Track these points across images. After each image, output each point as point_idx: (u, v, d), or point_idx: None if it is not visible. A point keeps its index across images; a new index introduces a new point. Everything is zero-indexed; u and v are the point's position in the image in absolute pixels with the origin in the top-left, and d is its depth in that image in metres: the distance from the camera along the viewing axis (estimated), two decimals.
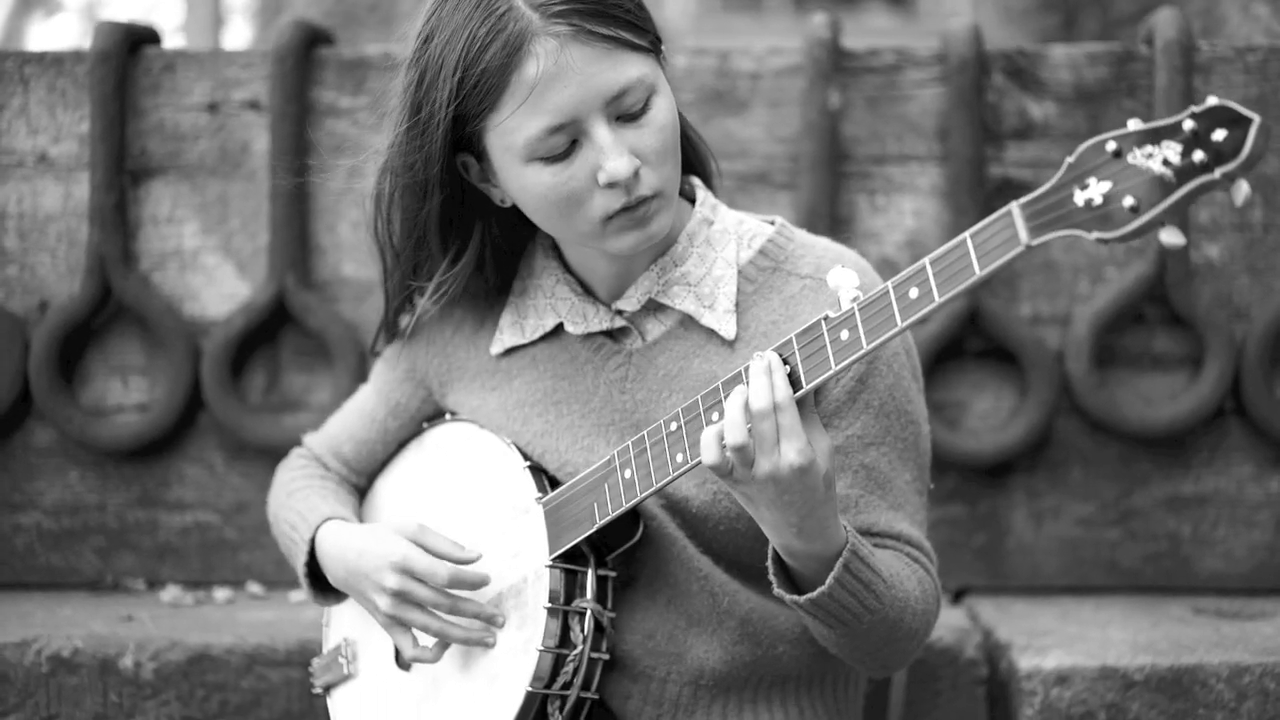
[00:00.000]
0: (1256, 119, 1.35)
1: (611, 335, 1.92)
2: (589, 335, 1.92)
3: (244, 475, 2.95)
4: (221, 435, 2.95)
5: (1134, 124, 1.41)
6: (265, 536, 2.92)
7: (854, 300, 1.58)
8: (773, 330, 1.85)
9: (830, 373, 1.59)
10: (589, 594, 1.81)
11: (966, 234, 1.49)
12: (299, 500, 2.05)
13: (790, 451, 1.60)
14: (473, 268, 1.92)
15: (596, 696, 1.84)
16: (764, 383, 1.61)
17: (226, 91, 2.96)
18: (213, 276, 2.96)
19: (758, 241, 1.91)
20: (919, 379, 1.91)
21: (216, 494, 2.96)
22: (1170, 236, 1.40)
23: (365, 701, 2.01)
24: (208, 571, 2.96)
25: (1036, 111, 2.89)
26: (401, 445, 2.10)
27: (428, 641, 1.89)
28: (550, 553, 1.81)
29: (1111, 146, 1.41)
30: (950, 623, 2.59)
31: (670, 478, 1.72)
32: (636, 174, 1.73)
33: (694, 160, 1.97)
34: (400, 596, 1.85)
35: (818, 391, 1.80)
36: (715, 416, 1.67)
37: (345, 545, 1.93)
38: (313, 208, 2.93)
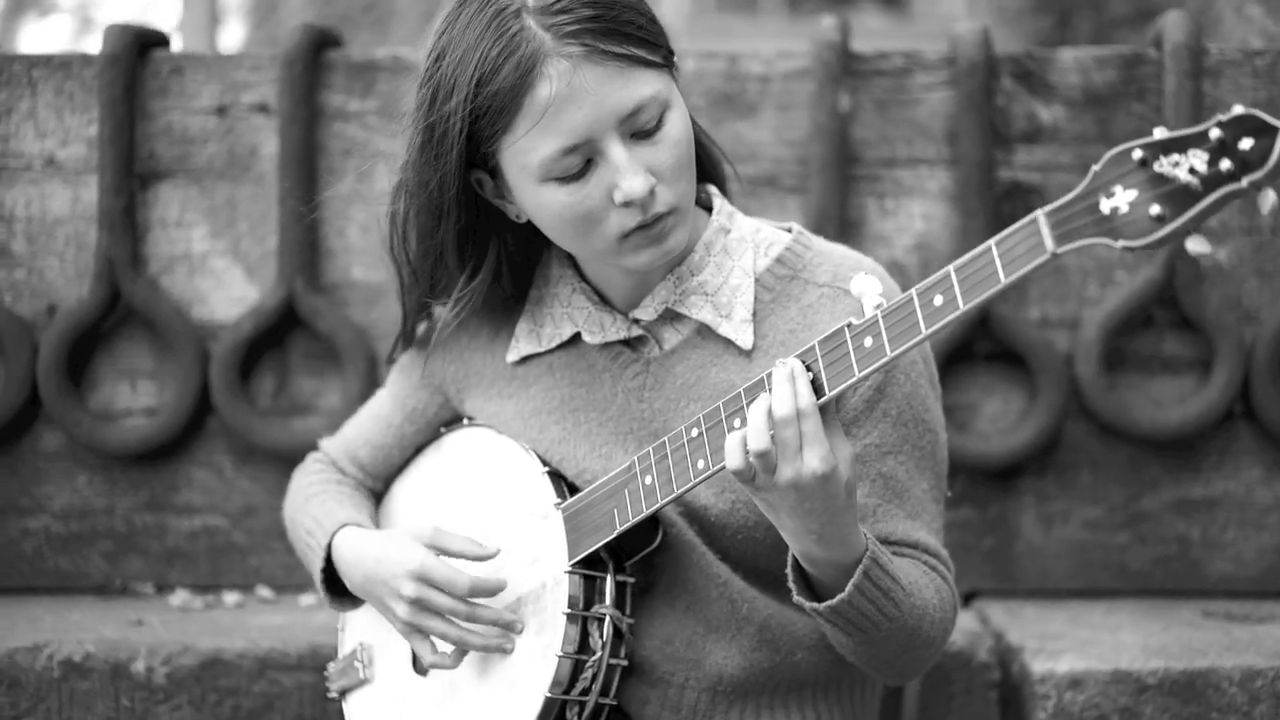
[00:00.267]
0: None
1: (629, 344, 1.92)
2: (606, 344, 1.92)
3: (253, 479, 2.95)
4: (230, 439, 2.95)
5: (1160, 132, 1.40)
6: (274, 540, 2.91)
7: (878, 307, 1.58)
8: (790, 339, 1.85)
9: (853, 380, 1.58)
10: (608, 600, 1.81)
11: (991, 242, 1.48)
12: (315, 505, 2.04)
13: (813, 458, 1.59)
14: (490, 280, 1.92)
15: (615, 702, 1.85)
16: (787, 389, 1.60)
17: (235, 95, 2.96)
18: (221, 280, 2.95)
19: (775, 250, 1.90)
20: (936, 387, 1.91)
21: (225, 498, 2.96)
22: (1197, 245, 1.40)
23: (381, 706, 2.00)
24: (216, 575, 2.95)
25: (1045, 115, 2.89)
26: (419, 450, 2.09)
27: (446, 648, 1.88)
28: (569, 558, 1.81)
29: (1137, 155, 1.40)
30: (961, 626, 2.58)
31: (691, 484, 1.71)
32: (652, 191, 1.73)
33: (709, 167, 1.96)
34: (418, 604, 1.84)
35: (837, 400, 1.79)
36: (737, 423, 1.66)
37: (363, 552, 1.92)
38: (322, 211, 2.92)
